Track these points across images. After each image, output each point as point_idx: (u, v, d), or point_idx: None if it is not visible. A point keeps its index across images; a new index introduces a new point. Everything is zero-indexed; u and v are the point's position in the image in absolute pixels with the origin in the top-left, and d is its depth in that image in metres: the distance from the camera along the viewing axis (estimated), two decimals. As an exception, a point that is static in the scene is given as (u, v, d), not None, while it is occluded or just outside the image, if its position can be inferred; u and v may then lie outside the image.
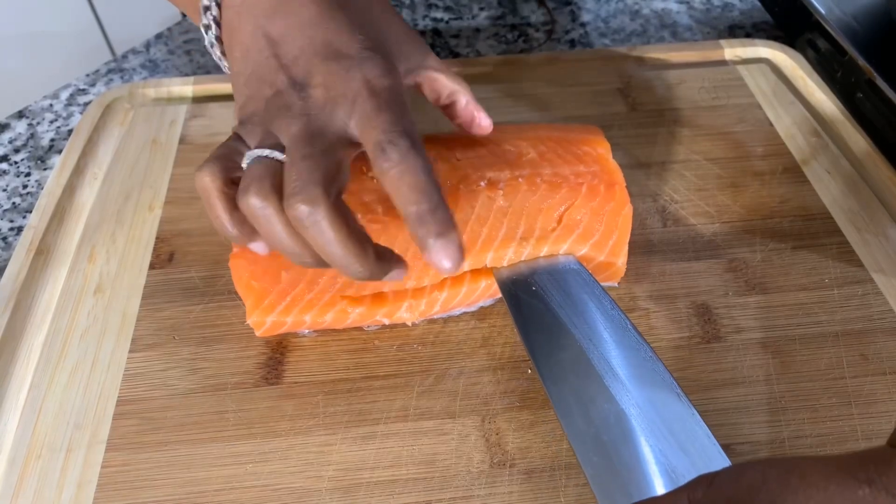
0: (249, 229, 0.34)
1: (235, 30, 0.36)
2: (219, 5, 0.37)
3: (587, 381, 0.36)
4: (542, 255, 0.42)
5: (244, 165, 0.33)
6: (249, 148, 0.34)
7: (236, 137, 0.35)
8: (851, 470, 0.25)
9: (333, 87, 0.33)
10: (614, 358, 0.37)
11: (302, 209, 0.30)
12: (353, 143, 0.33)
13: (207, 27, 0.37)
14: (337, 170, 0.32)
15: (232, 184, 0.33)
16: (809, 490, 0.25)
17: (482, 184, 0.42)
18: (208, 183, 0.33)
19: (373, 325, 0.43)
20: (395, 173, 0.31)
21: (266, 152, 0.33)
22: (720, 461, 0.33)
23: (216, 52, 0.39)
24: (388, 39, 0.38)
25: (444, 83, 0.41)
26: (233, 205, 0.33)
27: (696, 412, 0.35)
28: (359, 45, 0.34)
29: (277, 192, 0.32)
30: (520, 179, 0.42)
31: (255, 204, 0.32)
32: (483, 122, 0.43)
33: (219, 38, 0.38)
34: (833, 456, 0.26)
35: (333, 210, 0.31)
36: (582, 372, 0.37)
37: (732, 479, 0.26)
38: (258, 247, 0.35)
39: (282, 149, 0.33)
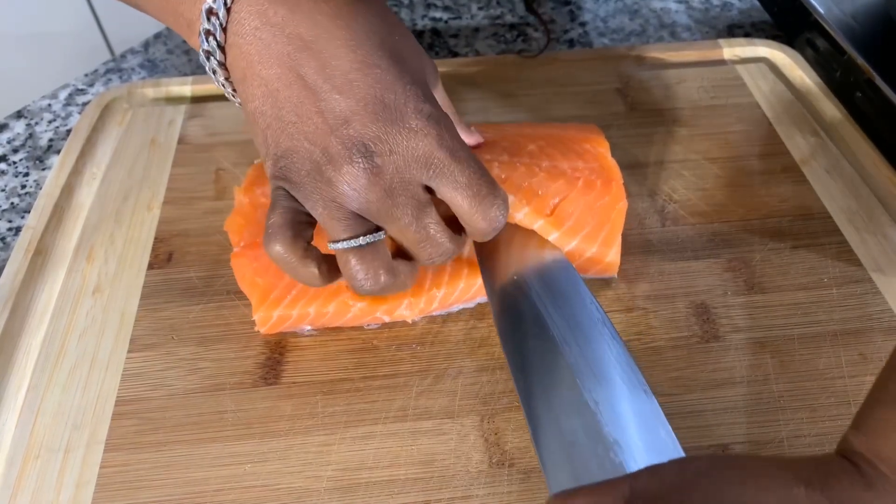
0: (335, 275, 0.35)
1: (254, 62, 0.32)
2: (224, 30, 0.32)
3: (554, 372, 0.35)
4: (534, 227, 0.41)
5: (335, 248, 0.33)
6: (298, 202, 0.33)
7: (287, 196, 0.33)
8: (793, 469, 0.26)
9: (401, 154, 0.32)
10: (587, 353, 0.36)
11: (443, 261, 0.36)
12: (431, 193, 0.34)
13: (209, 53, 0.33)
14: (439, 220, 0.34)
15: (306, 243, 0.34)
16: (747, 482, 0.25)
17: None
18: (284, 254, 0.33)
19: (372, 323, 0.43)
20: (489, 237, 0.35)
21: (361, 241, 0.33)
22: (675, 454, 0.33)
23: (219, 79, 0.35)
24: (417, 67, 0.35)
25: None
26: (317, 263, 0.34)
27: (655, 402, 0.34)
28: (413, 100, 0.32)
29: (388, 272, 0.34)
30: (518, 164, 0.42)
31: (375, 291, 0.35)
32: (475, 141, 0.44)
33: (222, 65, 0.34)
34: (780, 457, 0.26)
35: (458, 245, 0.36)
36: (551, 363, 0.36)
37: (675, 470, 0.26)
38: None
39: (370, 228, 0.33)
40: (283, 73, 0.32)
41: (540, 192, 0.42)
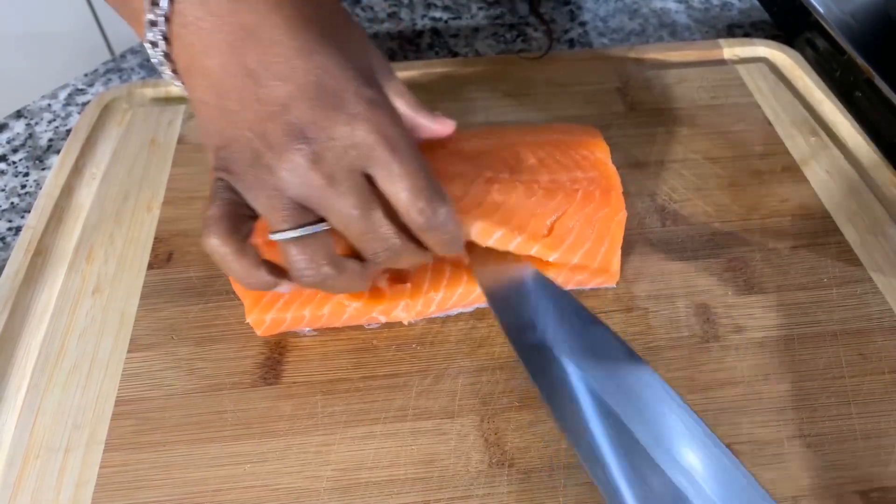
0: (276, 276, 0.34)
1: (197, 52, 0.32)
2: (167, 20, 0.32)
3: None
4: (531, 252, 0.41)
5: (279, 238, 0.33)
6: (239, 195, 0.33)
7: (226, 187, 0.33)
8: None
9: (340, 139, 0.31)
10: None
11: (392, 259, 0.35)
12: (372, 183, 0.33)
13: (154, 44, 0.33)
14: (386, 210, 0.33)
15: (243, 238, 0.33)
16: None
17: (479, 180, 0.42)
18: (220, 247, 0.32)
19: (372, 323, 0.43)
20: (436, 239, 0.35)
21: (303, 231, 0.32)
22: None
23: (166, 71, 0.34)
24: (362, 57, 0.35)
25: (405, 110, 0.39)
26: (254, 261, 0.33)
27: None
28: (354, 85, 0.32)
29: (331, 264, 0.33)
30: (517, 183, 0.42)
31: (317, 284, 0.34)
32: (447, 129, 0.41)
33: (167, 56, 0.33)
34: None
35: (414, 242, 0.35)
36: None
37: None
38: (285, 287, 0.36)
39: (311, 218, 0.33)
40: (225, 62, 0.31)
41: (537, 212, 0.41)
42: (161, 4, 0.31)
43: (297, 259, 0.33)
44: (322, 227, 0.33)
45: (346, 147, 0.31)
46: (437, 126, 0.40)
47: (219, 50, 0.31)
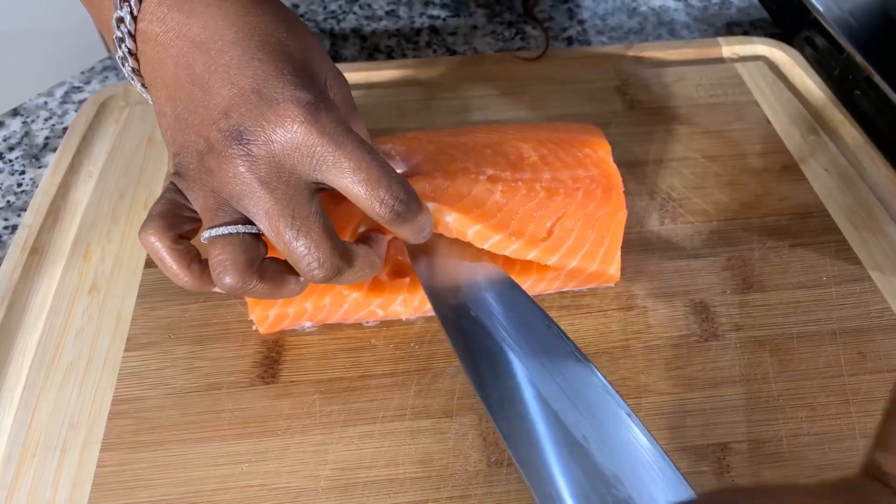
0: (208, 279, 0.34)
1: (157, 66, 0.33)
2: (133, 37, 0.34)
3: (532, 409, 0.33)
4: (528, 257, 0.41)
5: (205, 238, 0.32)
6: (187, 201, 0.34)
7: (175, 189, 0.34)
8: (827, 498, 0.25)
9: (278, 142, 0.31)
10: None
11: (327, 277, 0.33)
12: (319, 188, 0.33)
13: (123, 59, 0.35)
14: (325, 224, 0.33)
15: (180, 238, 0.34)
16: None
17: (482, 177, 0.42)
18: (154, 242, 0.33)
19: (370, 321, 0.42)
20: (406, 230, 0.34)
21: (229, 230, 0.32)
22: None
23: (137, 85, 0.36)
24: (310, 66, 0.35)
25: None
26: (186, 259, 0.34)
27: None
28: (291, 89, 0.32)
29: (252, 268, 0.33)
30: (520, 183, 0.42)
31: (236, 286, 0.33)
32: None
33: (136, 71, 0.35)
34: (806, 484, 0.26)
35: (349, 261, 0.34)
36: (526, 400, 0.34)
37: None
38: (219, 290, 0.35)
39: (240, 219, 0.32)
40: (178, 72, 0.33)
41: (537, 214, 0.41)
42: (126, 22, 0.33)
43: (216, 258, 0.32)
44: (249, 228, 0.33)
45: (285, 150, 0.31)
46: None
47: (174, 62, 0.33)
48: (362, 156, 0.32)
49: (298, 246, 0.32)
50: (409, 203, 0.33)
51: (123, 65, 0.35)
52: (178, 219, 0.34)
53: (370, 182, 0.32)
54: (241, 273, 0.32)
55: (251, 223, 0.33)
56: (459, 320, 0.37)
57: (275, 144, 0.31)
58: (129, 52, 0.34)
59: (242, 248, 0.32)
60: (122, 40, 0.34)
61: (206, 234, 0.33)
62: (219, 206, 0.32)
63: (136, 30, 0.33)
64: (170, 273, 0.34)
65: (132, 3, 0.33)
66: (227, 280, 0.32)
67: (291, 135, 0.31)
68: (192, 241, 0.35)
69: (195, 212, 0.34)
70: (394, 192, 0.32)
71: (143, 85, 0.36)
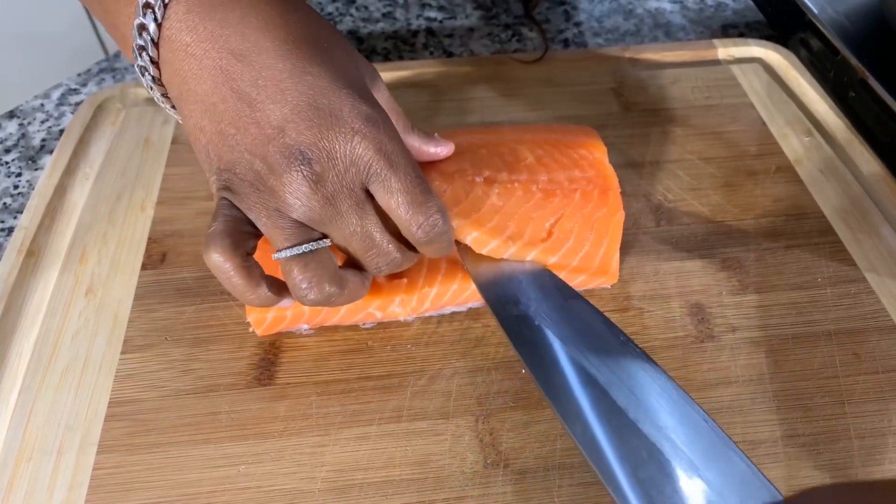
0: (277, 295, 0.35)
1: (189, 78, 0.32)
2: (156, 44, 0.32)
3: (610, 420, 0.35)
4: (529, 258, 0.41)
5: (279, 258, 0.33)
6: (241, 212, 0.33)
7: (230, 205, 0.33)
8: None
9: (340, 158, 0.32)
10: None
11: (392, 269, 0.36)
12: (370, 196, 0.34)
13: (144, 69, 0.33)
14: (383, 225, 0.34)
15: (246, 255, 0.33)
16: None
17: (479, 179, 0.42)
18: (223, 263, 0.33)
19: (367, 322, 0.43)
20: (432, 249, 0.35)
21: (303, 248, 0.33)
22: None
23: (157, 95, 0.35)
24: (353, 72, 0.35)
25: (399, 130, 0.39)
26: (256, 278, 0.34)
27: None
28: (349, 102, 0.32)
29: (334, 281, 0.34)
30: (516, 184, 0.42)
31: (320, 301, 0.34)
32: (446, 151, 0.42)
33: (157, 80, 0.34)
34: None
35: (404, 252, 0.36)
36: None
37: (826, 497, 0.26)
38: (287, 303, 0.36)
39: (313, 235, 0.33)
40: (218, 87, 0.31)
41: (535, 216, 0.41)
42: (150, 30, 0.32)
43: (298, 279, 0.33)
44: (324, 243, 0.33)
45: (346, 165, 0.32)
46: (429, 145, 0.41)
47: (211, 75, 0.31)
48: (412, 180, 0.33)
49: (372, 254, 0.34)
50: (444, 232, 0.34)
51: (143, 74, 0.33)
52: (241, 236, 0.33)
53: (413, 206, 0.33)
54: (324, 288, 0.33)
55: (323, 236, 0.33)
56: (521, 329, 0.38)
57: (337, 161, 0.32)
58: (151, 60, 0.33)
59: (323, 265, 0.33)
60: (143, 48, 0.32)
61: (281, 255, 0.33)
62: (288, 225, 0.32)
63: (160, 38, 0.32)
64: (237, 291, 0.34)
65: (157, 10, 0.31)
66: (313, 297, 0.33)
67: (352, 149, 0.32)
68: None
69: (255, 227, 0.34)
70: (432, 219, 0.34)
71: (164, 95, 0.34)
